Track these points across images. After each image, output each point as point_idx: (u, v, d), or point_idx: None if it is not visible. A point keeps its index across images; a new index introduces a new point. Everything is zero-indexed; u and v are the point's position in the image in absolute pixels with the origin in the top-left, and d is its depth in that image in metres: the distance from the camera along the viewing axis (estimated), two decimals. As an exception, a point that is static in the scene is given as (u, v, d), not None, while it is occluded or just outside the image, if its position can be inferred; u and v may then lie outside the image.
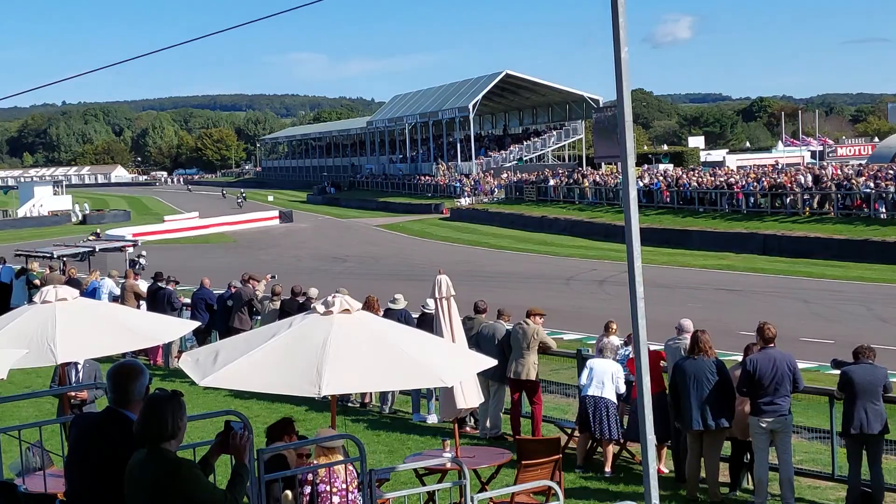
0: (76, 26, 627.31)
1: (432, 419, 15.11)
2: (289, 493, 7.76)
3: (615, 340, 13.30)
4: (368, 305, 14.75)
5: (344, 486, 7.75)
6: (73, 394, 10.91)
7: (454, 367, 7.78)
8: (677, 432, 11.67)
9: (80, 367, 11.42)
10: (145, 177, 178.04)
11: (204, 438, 7.44)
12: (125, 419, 5.41)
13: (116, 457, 5.26)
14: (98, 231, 56.45)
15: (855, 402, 10.25)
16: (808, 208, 44.26)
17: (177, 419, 5.15)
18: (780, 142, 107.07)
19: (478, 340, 13.65)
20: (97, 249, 33.07)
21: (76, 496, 5.65)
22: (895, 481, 11.11)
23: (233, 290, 20.16)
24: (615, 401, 12.40)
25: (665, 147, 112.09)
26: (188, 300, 21.58)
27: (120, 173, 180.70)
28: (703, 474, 11.20)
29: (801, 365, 11.40)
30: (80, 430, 5.77)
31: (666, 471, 12.09)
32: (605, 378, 12.41)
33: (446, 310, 10.49)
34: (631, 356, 11.87)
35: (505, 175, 78.22)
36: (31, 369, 15.94)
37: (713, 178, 53.54)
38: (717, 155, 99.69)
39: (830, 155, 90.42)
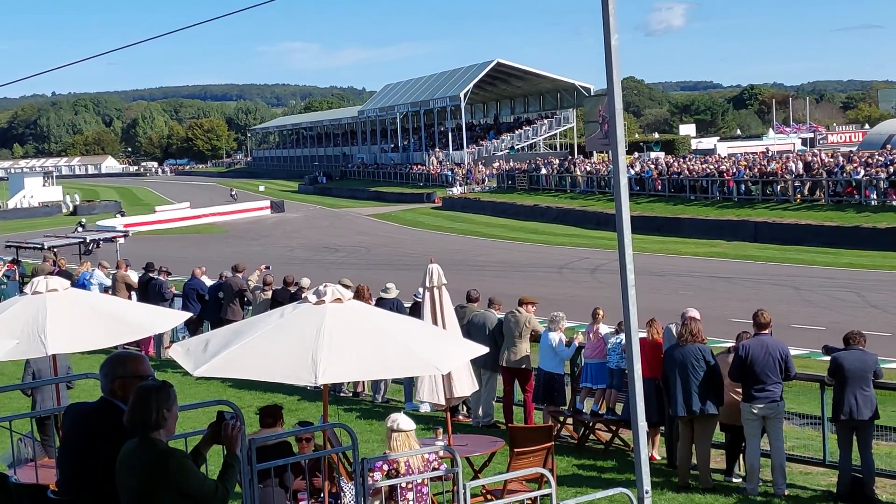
0: (65, 16, 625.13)
1: (425, 408, 15.11)
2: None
3: (603, 328, 13.32)
4: (359, 295, 14.75)
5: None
6: None
7: (448, 355, 7.79)
8: (671, 419, 11.70)
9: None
10: (136, 167, 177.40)
11: (196, 428, 7.43)
12: (118, 409, 5.40)
13: (108, 446, 5.25)
14: (83, 221, 56.06)
15: (845, 387, 10.28)
16: (799, 195, 44.29)
17: (162, 409, 5.11)
18: (770, 129, 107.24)
19: (469, 329, 13.65)
20: (88, 240, 33.04)
21: (68, 486, 5.64)
22: (886, 466, 11.17)
23: (223, 279, 20.12)
24: (556, 371, 13.41)
25: (656, 135, 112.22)
26: (179, 291, 21.54)
27: (110, 164, 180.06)
28: (694, 461, 11.23)
29: (792, 351, 11.42)
30: (72, 420, 5.76)
31: (658, 458, 12.13)
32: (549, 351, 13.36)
33: (437, 299, 10.47)
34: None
35: (496, 164, 78.11)
36: (22, 360, 15.92)
37: (704, 166, 53.55)
38: (708, 143, 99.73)
39: (821, 142, 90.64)
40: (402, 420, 8.38)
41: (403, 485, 7.91)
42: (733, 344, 11.60)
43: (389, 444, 8.22)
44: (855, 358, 10.37)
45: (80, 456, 5.50)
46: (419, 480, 8.00)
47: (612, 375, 12.94)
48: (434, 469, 8.16)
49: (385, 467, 7.99)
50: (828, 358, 10.99)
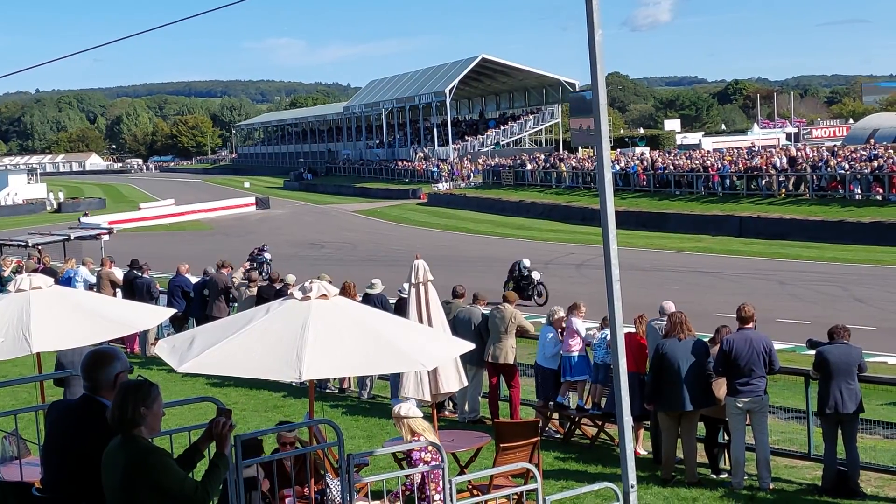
0: (49, 12, 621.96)
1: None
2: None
3: (577, 322, 13.19)
4: (345, 291, 14.71)
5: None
6: None
7: (433, 351, 7.79)
8: (656, 414, 11.70)
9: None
10: (120, 164, 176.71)
11: (181, 425, 7.42)
12: (100, 405, 5.39)
13: (91, 443, 5.24)
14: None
15: (830, 381, 10.32)
16: (783, 190, 44.44)
17: (139, 407, 5.10)
18: (755, 124, 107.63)
19: (454, 325, 13.64)
20: (72, 237, 32.91)
21: (52, 483, 5.62)
22: (870, 460, 11.21)
23: (208, 276, 20.05)
24: (548, 366, 13.39)
25: (641, 130, 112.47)
26: (163, 288, 21.46)
27: (94, 161, 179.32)
28: (679, 455, 11.25)
29: (777, 346, 11.46)
30: (55, 418, 5.74)
31: (643, 452, 12.14)
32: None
33: (423, 295, 10.47)
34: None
35: (482, 160, 78.17)
36: (7, 359, 15.84)
37: (689, 161, 53.67)
38: (692, 138, 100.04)
39: (805, 137, 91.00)
40: (415, 407, 8.70)
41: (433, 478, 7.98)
42: (712, 336, 11.60)
43: (410, 428, 8.41)
44: (840, 352, 10.41)
45: (63, 453, 5.49)
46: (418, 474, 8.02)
47: (597, 370, 12.93)
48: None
49: (427, 456, 8.05)
50: (812, 352, 11.02)
